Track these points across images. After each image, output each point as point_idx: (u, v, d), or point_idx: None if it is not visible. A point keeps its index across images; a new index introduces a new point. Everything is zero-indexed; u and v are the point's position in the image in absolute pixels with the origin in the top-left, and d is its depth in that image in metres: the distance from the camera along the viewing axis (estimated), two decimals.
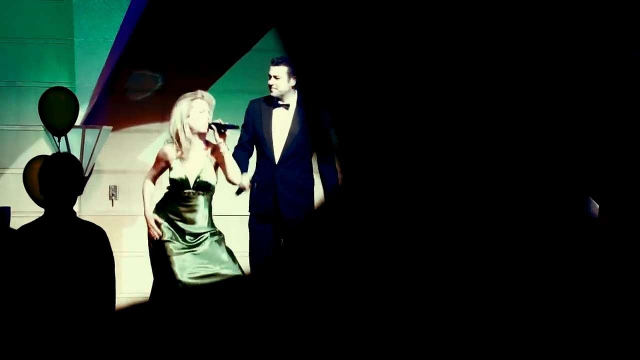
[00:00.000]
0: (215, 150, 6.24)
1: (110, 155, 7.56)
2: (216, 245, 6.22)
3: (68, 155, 4.51)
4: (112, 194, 7.76)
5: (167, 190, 6.30)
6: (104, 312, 4.34)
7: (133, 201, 7.78)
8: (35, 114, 7.76)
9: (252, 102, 6.79)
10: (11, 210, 7.12)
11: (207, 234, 6.21)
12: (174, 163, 6.22)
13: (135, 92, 7.82)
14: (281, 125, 6.70)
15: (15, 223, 6.34)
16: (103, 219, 7.63)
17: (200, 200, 6.23)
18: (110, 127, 7.69)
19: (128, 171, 7.74)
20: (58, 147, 7.72)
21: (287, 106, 6.73)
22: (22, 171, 7.67)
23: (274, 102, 6.71)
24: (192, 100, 6.23)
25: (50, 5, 7.77)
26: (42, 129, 7.76)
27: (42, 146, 7.73)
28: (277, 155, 6.65)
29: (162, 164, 6.27)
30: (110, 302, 4.40)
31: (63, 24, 7.70)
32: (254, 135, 6.72)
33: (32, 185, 7.23)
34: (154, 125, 7.84)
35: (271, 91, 6.69)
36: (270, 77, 6.67)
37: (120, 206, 7.80)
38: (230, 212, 7.23)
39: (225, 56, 7.87)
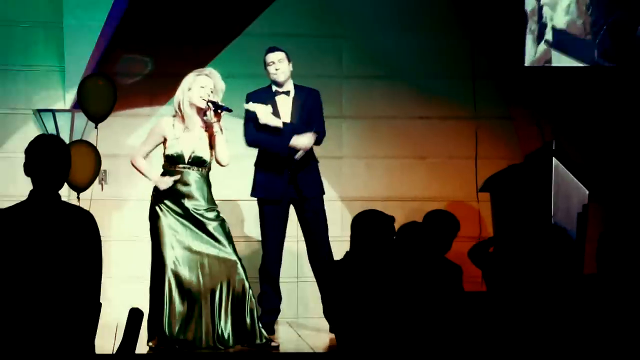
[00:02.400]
0: (210, 128, 6.28)
1: (99, 139, 7.51)
2: (219, 229, 6.25)
3: (55, 137, 4.35)
4: (102, 178, 7.72)
5: (162, 170, 6.33)
6: (90, 296, 4.24)
7: (123, 185, 7.75)
8: (24, 97, 7.71)
9: (251, 95, 6.85)
10: (0, 194, 7.07)
11: (210, 215, 6.24)
12: (170, 138, 6.25)
13: (125, 76, 7.77)
14: (284, 111, 6.81)
15: (3, 206, 6.29)
16: (92, 203, 7.60)
17: (195, 175, 6.23)
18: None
19: (118, 155, 7.69)
20: (46, 130, 7.67)
21: (287, 92, 6.85)
22: (10, 154, 7.61)
23: (271, 91, 6.83)
24: (197, 75, 6.32)
25: None
26: (31, 112, 7.71)
27: (31, 129, 7.68)
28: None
29: (155, 138, 6.33)
30: (97, 286, 4.29)
31: (52, 7, 7.64)
32: (260, 125, 6.76)
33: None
34: (143, 109, 7.82)
35: (276, 77, 6.79)
36: (271, 64, 6.78)
37: (109, 190, 7.76)
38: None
39: (215, 40, 7.84)
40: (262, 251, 6.92)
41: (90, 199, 7.53)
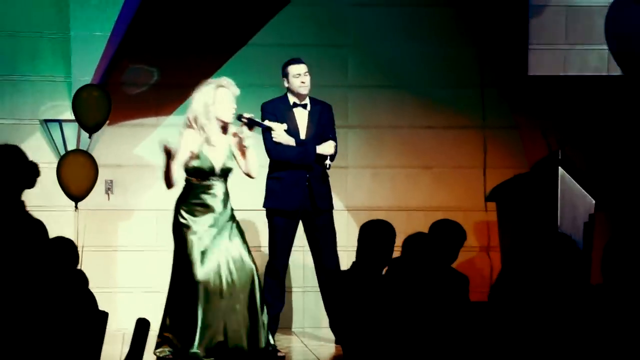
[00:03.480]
0: (238, 140, 6.26)
1: (106, 149, 7.53)
2: (237, 235, 6.26)
3: (13, 146, 4.32)
4: (108, 188, 7.73)
5: (185, 183, 6.29)
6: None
7: (129, 195, 7.76)
8: (31, 107, 7.73)
9: (267, 105, 6.86)
10: None
11: (229, 223, 6.25)
12: (200, 151, 6.22)
13: (131, 86, 7.79)
14: (301, 124, 6.85)
15: None
16: (99, 213, 7.61)
17: (221, 186, 6.26)
18: (107, 121, 7.65)
19: (124, 165, 7.72)
20: (53, 140, 7.69)
21: (305, 106, 6.88)
22: None
23: (289, 103, 6.85)
24: (217, 87, 6.26)
25: None
26: (38, 122, 7.73)
27: (38, 140, 7.70)
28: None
29: (187, 153, 6.22)
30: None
31: (59, 17, 7.66)
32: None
33: (65, 180, 7.27)
34: (150, 119, 7.82)
35: (303, 90, 6.82)
36: (297, 76, 6.80)
37: (116, 200, 7.77)
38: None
39: (221, 50, 7.85)
40: (270, 259, 6.91)
41: (97, 209, 7.55)
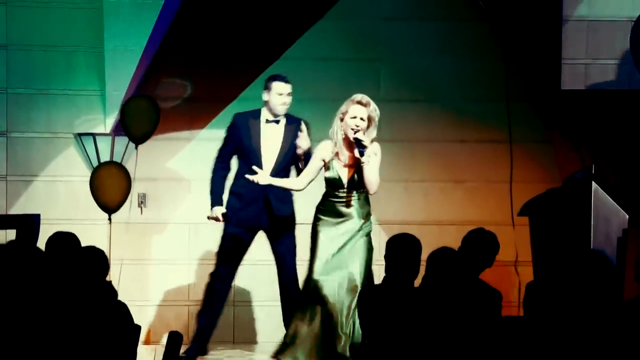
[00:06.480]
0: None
1: (139, 163, 7.57)
2: (360, 246, 6.26)
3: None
4: (141, 202, 7.77)
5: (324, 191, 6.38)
6: None
7: (162, 209, 7.79)
8: (65, 121, 7.79)
9: (237, 116, 6.82)
10: (41, 217, 7.14)
11: (358, 234, 6.26)
12: (330, 162, 6.26)
13: (164, 100, 7.83)
14: (272, 139, 6.75)
15: (45, 230, 6.36)
16: (132, 226, 7.65)
17: (355, 197, 6.27)
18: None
19: (157, 179, 7.75)
20: (87, 154, 7.74)
21: (277, 121, 6.77)
22: (51, 178, 7.70)
23: (259, 117, 6.75)
24: (352, 102, 6.28)
25: (80, 13, 7.79)
26: (72, 136, 7.78)
27: (72, 153, 7.76)
28: (268, 169, 6.65)
29: (317, 163, 6.31)
30: None
31: (93, 32, 7.72)
32: (240, 149, 6.74)
33: (97, 191, 7.30)
34: (183, 133, 7.85)
35: (281, 110, 6.73)
36: (281, 95, 6.71)
37: (149, 214, 7.81)
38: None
39: (254, 64, 7.87)
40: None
41: (128, 222, 7.59)
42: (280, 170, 6.69)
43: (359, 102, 6.24)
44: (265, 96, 6.76)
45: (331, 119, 6.45)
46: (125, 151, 7.69)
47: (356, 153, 6.19)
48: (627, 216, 6.86)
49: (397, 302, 4.87)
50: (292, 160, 6.72)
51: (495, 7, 7.94)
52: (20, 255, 4.32)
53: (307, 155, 6.59)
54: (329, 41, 7.97)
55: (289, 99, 6.73)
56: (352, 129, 6.20)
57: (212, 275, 6.85)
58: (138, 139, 7.44)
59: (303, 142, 6.60)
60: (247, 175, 6.37)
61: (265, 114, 6.76)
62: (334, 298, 6.16)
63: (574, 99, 7.91)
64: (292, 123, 6.76)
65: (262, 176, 6.37)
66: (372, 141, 6.28)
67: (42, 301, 4.17)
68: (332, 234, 6.28)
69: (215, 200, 6.70)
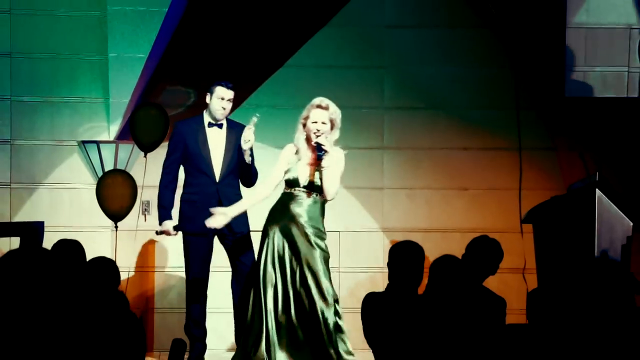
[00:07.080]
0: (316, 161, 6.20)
1: (143, 170, 7.58)
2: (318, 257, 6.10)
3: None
4: (145, 209, 7.77)
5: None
6: None
7: None
8: (69, 129, 7.80)
9: (179, 124, 6.79)
10: (45, 225, 7.15)
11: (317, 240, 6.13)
12: (291, 165, 6.21)
13: (168, 107, 7.83)
14: (216, 144, 6.73)
15: (49, 238, 6.37)
16: (135, 233, 7.65)
17: (308, 199, 6.14)
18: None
19: None
20: (91, 162, 7.75)
21: (220, 125, 6.76)
22: (55, 186, 7.70)
23: (203, 122, 6.73)
24: (312, 106, 6.20)
25: (84, 21, 7.81)
26: (76, 143, 7.79)
27: (76, 161, 7.77)
28: (218, 172, 6.66)
29: (282, 166, 6.24)
30: None
31: (97, 40, 7.73)
32: (187, 156, 6.71)
33: (104, 198, 7.32)
34: None
35: (221, 115, 6.70)
36: (222, 100, 6.69)
37: (152, 221, 7.80)
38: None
39: (258, 71, 7.88)
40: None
41: (136, 230, 7.59)
42: (230, 171, 6.68)
43: (319, 106, 6.19)
44: (207, 99, 6.76)
45: None
46: (129, 158, 7.70)
47: (317, 157, 6.16)
48: (631, 223, 6.85)
49: (401, 310, 4.86)
50: (238, 161, 6.66)
51: (503, 15, 7.95)
52: (32, 262, 4.32)
53: (251, 150, 6.55)
54: (333, 48, 7.98)
55: (228, 105, 6.70)
56: (314, 133, 6.18)
57: (186, 284, 6.78)
58: (147, 148, 7.45)
59: (247, 133, 6.53)
60: (205, 222, 6.21)
61: (207, 118, 6.76)
62: (283, 285, 6.07)
63: (578, 106, 7.91)
64: (234, 127, 6.73)
65: (220, 216, 6.22)
66: (342, 148, 6.23)
67: (53, 309, 4.16)
68: (280, 232, 6.13)
69: (165, 215, 6.67)
